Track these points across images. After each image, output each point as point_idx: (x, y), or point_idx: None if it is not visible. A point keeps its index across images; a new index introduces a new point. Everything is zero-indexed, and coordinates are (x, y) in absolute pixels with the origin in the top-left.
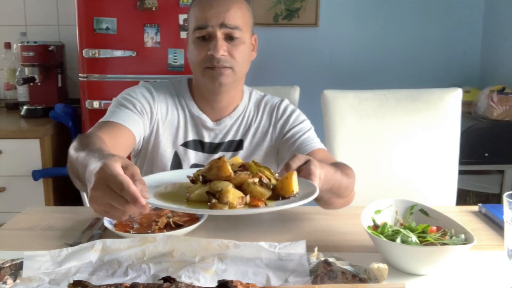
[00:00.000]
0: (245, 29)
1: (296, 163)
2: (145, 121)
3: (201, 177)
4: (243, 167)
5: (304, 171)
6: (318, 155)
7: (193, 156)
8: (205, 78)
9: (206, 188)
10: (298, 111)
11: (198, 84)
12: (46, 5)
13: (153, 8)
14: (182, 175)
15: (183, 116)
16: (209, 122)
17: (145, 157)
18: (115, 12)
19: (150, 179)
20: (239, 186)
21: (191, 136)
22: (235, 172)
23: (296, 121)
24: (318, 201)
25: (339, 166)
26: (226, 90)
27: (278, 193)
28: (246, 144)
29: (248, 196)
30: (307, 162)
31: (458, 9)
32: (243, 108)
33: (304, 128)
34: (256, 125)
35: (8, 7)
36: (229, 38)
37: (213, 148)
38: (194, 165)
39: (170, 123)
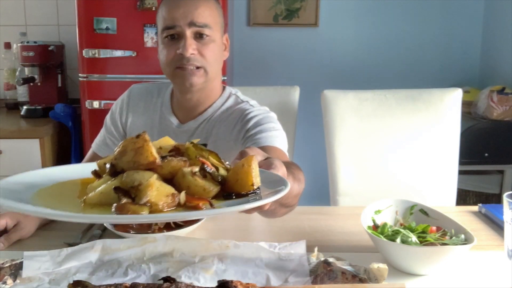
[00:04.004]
0: (215, 27)
1: (254, 151)
2: (119, 142)
3: (108, 167)
4: (177, 151)
5: (264, 165)
6: (272, 153)
7: None
8: (176, 79)
9: (115, 182)
10: (261, 116)
11: (173, 86)
12: (46, 5)
13: (153, 8)
14: (84, 170)
15: (154, 116)
16: (175, 124)
17: None
18: (115, 12)
19: (35, 174)
20: (169, 179)
21: (159, 137)
22: (163, 158)
23: (257, 123)
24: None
25: (291, 168)
26: (197, 90)
27: (230, 188)
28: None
29: (183, 194)
30: (267, 158)
31: (458, 9)
32: (212, 112)
33: (264, 128)
34: (217, 131)
35: (8, 7)
36: (199, 36)
37: None
38: None
39: (142, 125)
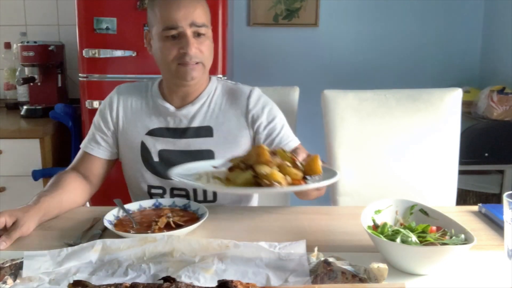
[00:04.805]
0: (208, 25)
1: (302, 155)
2: (109, 138)
3: (241, 164)
4: (272, 153)
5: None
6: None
7: (159, 143)
8: (178, 74)
9: (251, 173)
10: (270, 104)
11: (166, 78)
12: (46, 5)
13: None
14: (205, 166)
15: (147, 107)
16: (171, 109)
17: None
18: (115, 12)
19: (188, 169)
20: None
21: (155, 125)
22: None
23: (269, 116)
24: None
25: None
26: (195, 83)
27: (306, 174)
28: (215, 131)
29: (289, 177)
30: (309, 155)
31: (458, 9)
32: (208, 95)
33: (278, 124)
34: (225, 113)
35: (8, 7)
36: (197, 35)
37: (179, 133)
38: (162, 151)
39: (134, 117)
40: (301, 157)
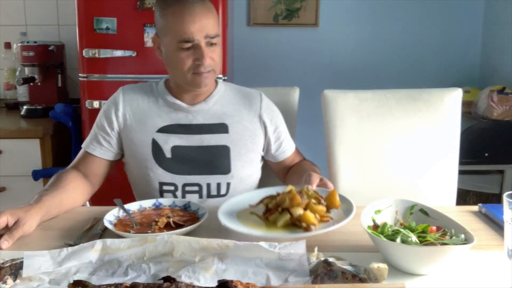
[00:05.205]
0: (219, 33)
1: (316, 178)
2: (112, 139)
3: (277, 207)
4: (299, 192)
5: (323, 186)
6: (296, 157)
7: (171, 139)
8: (193, 82)
9: (288, 216)
10: (276, 109)
11: (177, 82)
12: (46, 5)
13: (153, 8)
14: (243, 201)
15: (155, 105)
16: (184, 105)
17: (126, 152)
18: (115, 12)
19: (229, 206)
20: (305, 208)
21: (167, 122)
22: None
23: (277, 121)
24: None
25: (314, 168)
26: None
27: (327, 207)
28: (231, 128)
29: (317, 215)
30: (321, 179)
31: (458, 10)
32: (218, 95)
33: (283, 130)
34: (239, 112)
35: (8, 7)
36: (210, 45)
37: (193, 129)
38: (174, 147)
39: (142, 115)
40: (315, 184)
